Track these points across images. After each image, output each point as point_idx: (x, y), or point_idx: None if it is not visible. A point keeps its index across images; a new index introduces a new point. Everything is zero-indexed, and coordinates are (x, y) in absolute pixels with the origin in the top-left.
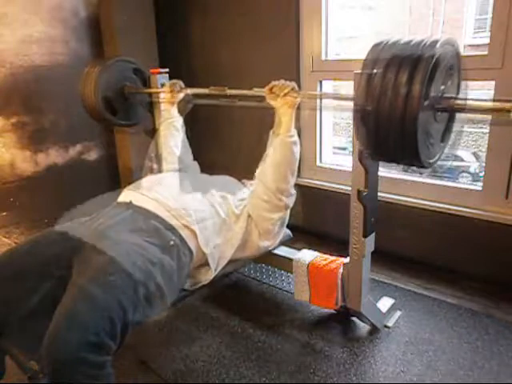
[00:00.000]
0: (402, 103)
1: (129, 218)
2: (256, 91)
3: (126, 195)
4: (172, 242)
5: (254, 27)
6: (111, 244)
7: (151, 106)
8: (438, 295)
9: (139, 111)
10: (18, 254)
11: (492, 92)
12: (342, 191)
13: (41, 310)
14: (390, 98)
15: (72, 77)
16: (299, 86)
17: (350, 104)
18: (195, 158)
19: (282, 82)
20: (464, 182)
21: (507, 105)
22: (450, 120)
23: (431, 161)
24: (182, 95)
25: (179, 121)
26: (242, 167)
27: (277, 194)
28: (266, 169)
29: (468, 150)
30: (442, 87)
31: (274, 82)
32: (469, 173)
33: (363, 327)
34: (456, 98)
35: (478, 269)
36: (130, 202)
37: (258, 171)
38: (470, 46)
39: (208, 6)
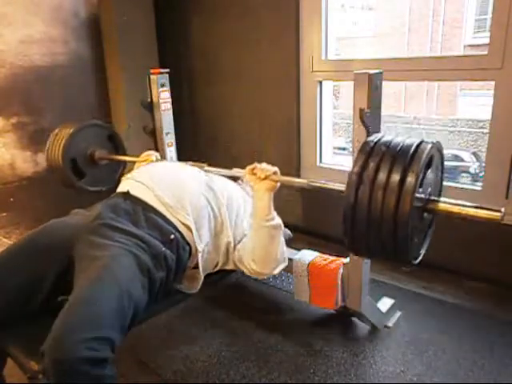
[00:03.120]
0: (394, 205)
1: (129, 210)
2: (236, 171)
3: (125, 184)
4: (172, 236)
5: (254, 27)
6: (113, 238)
7: (151, 106)
8: (438, 295)
9: (111, 177)
10: (17, 250)
11: (492, 92)
12: (341, 190)
13: (40, 308)
14: (383, 196)
15: (72, 77)
16: (299, 87)
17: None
18: (193, 156)
19: (264, 165)
20: (464, 182)
21: (495, 214)
22: (433, 219)
23: (416, 261)
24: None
25: None
26: (242, 167)
27: (260, 274)
28: (247, 250)
29: (468, 150)
30: (429, 189)
31: (256, 164)
32: (469, 173)
33: (363, 327)
34: (440, 202)
35: (478, 269)
36: (128, 192)
37: (239, 246)
38: (469, 46)
39: (208, 5)
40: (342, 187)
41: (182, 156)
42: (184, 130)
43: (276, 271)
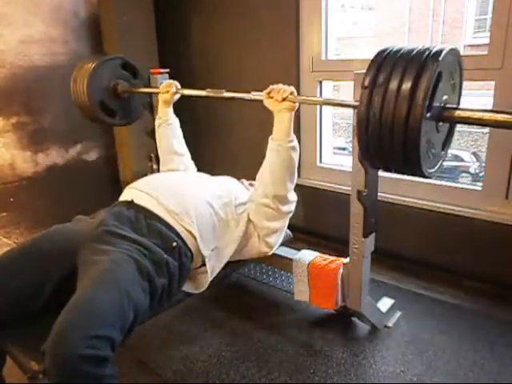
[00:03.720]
0: (405, 113)
1: (132, 218)
2: (254, 95)
3: (128, 193)
4: (175, 244)
5: (254, 27)
6: (115, 244)
7: (151, 107)
8: (438, 295)
9: (137, 106)
10: (20, 253)
11: (492, 92)
12: (342, 191)
13: (43, 309)
14: (394, 107)
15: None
16: (299, 87)
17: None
18: (194, 157)
19: (281, 86)
20: (464, 182)
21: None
22: (451, 129)
23: (432, 170)
24: (178, 96)
25: (176, 122)
26: (242, 166)
27: (275, 201)
28: (264, 174)
29: (468, 150)
30: (445, 97)
31: (272, 86)
32: (469, 173)
33: (363, 327)
34: (458, 109)
35: (478, 269)
36: (132, 201)
37: (257, 176)
38: (469, 46)
39: (208, 5)
40: (356, 103)
41: None
42: (184, 130)
43: (291, 195)
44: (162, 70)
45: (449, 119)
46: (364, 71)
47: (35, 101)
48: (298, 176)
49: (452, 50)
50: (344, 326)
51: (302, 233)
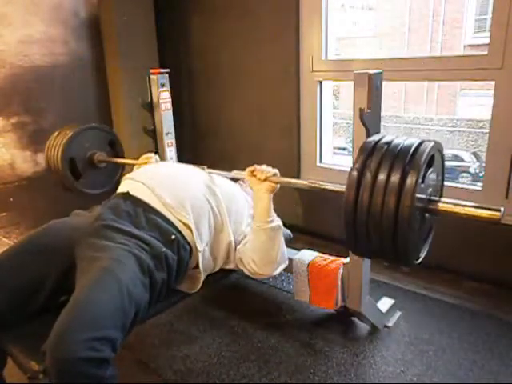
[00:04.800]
0: (395, 205)
1: (130, 211)
2: (236, 173)
3: (125, 184)
4: (173, 236)
5: (254, 27)
6: (114, 240)
7: (151, 107)
8: (438, 295)
9: (106, 185)
10: (18, 250)
11: (492, 92)
12: (342, 191)
13: (43, 307)
14: (383, 196)
15: (72, 77)
16: (299, 87)
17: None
18: (194, 158)
19: (264, 167)
20: (464, 182)
21: (495, 214)
22: (434, 220)
23: (417, 261)
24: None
25: None
26: (242, 167)
27: (260, 275)
28: (248, 252)
29: (468, 150)
30: (430, 190)
31: (255, 166)
32: (469, 173)
33: (363, 327)
34: (441, 201)
35: (479, 269)
36: (128, 193)
37: (240, 249)
38: (469, 46)
39: (208, 5)
40: (342, 188)
41: (182, 156)
42: (184, 130)
43: (276, 272)
44: (161, 70)
45: (434, 211)
46: (364, 71)
47: (35, 101)
48: (299, 176)
49: (436, 144)
50: (344, 326)
51: (301, 233)
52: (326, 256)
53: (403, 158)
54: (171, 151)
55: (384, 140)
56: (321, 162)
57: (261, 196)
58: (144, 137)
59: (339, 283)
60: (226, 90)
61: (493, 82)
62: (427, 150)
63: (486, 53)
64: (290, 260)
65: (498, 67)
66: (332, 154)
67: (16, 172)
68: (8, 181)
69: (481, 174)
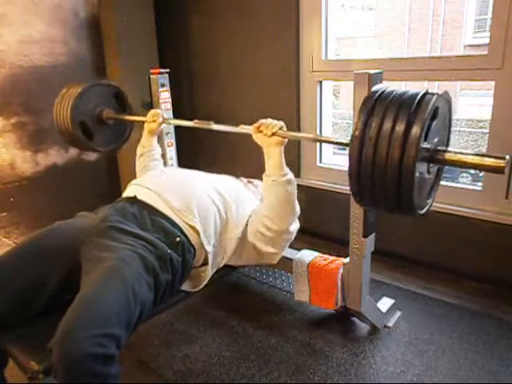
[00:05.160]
0: (399, 155)
1: (136, 213)
2: (242, 128)
3: (131, 190)
4: (178, 239)
5: (254, 27)
6: (119, 240)
7: (151, 107)
8: (438, 295)
9: (118, 139)
10: (21, 251)
11: (492, 92)
12: (342, 191)
13: (46, 308)
14: (388, 147)
15: (72, 77)
16: (299, 87)
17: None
18: (194, 156)
19: (270, 120)
20: (464, 182)
21: (500, 162)
22: (440, 171)
23: (422, 211)
24: (163, 126)
25: (159, 151)
26: (242, 166)
27: (274, 233)
28: (263, 211)
29: (468, 150)
30: (436, 140)
31: (261, 121)
32: (469, 173)
33: (363, 327)
34: (448, 152)
35: (479, 269)
36: (135, 197)
37: (256, 210)
38: (469, 46)
39: (208, 5)
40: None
41: (182, 156)
42: (184, 130)
43: (292, 227)
44: (161, 70)
45: (439, 161)
46: (364, 71)
47: (35, 101)
48: (298, 176)
49: (443, 94)
50: (344, 326)
51: (301, 233)
52: (326, 256)
53: (408, 109)
54: (171, 151)
55: (388, 90)
56: (321, 161)
57: (271, 151)
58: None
59: (339, 283)
60: (225, 89)
61: (493, 82)
62: (432, 101)
63: (485, 53)
64: (290, 260)
65: (497, 67)
66: (332, 154)
67: (16, 172)
68: (8, 181)
69: (481, 174)
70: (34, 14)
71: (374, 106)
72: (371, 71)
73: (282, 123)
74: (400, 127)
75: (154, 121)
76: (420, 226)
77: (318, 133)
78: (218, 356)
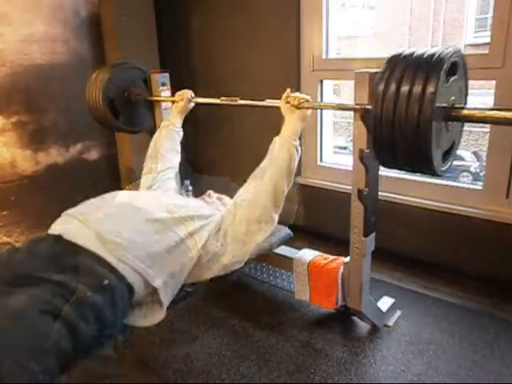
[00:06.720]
0: (416, 113)
1: (55, 254)
2: (269, 102)
3: (60, 223)
4: (106, 282)
5: (255, 27)
6: (26, 291)
7: (152, 107)
8: (439, 295)
9: (142, 120)
10: None
11: (492, 91)
12: (342, 190)
13: None
14: (405, 106)
15: (72, 76)
16: (299, 86)
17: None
18: (195, 156)
19: (298, 93)
20: (465, 182)
21: None
22: (459, 129)
23: (443, 168)
24: (192, 105)
25: (181, 133)
26: (243, 165)
27: (273, 193)
28: (259, 172)
29: (469, 149)
30: (452, 98)
31: (289, 92)
32: (469, 172)
33: (363, 327)
34: (464, 108)
35: (479, 268)
36: (59, 236)
37: (251, 176)
38: (470, 45)
39: (208, 5)
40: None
41: (183, 155)
42: (184, 130)
43: (275, 215)
44: (162, 70)
45: (456, 118)
46: (365, 70)
47: (35, 100)
48: (299, 175)
49: (457, 51)
50: (344, 326)
51: (302, 232)
52: (327, 255)
53: (425, 67)
54: None
55: (408, 52)
56: (321, 161)
57: (293, 121)
58: (146, 136)
59: (339, 282)
60: (226, 89)
61: (493, 81)
62: (447, 57)
63: (486, 52)
64: (291, 259)
65: (498, 66)
66: (332, 153)
67: (16, 171)
68: (9, 180)
69: (481, 174)
70: (35, 13)
71: (395, 68)
72: (372, 70)
73: (308, 97)
74: (416, 86)
75: (182, 99)
76: (420, 225)
77: (318, 133)
78: (219, 355)
